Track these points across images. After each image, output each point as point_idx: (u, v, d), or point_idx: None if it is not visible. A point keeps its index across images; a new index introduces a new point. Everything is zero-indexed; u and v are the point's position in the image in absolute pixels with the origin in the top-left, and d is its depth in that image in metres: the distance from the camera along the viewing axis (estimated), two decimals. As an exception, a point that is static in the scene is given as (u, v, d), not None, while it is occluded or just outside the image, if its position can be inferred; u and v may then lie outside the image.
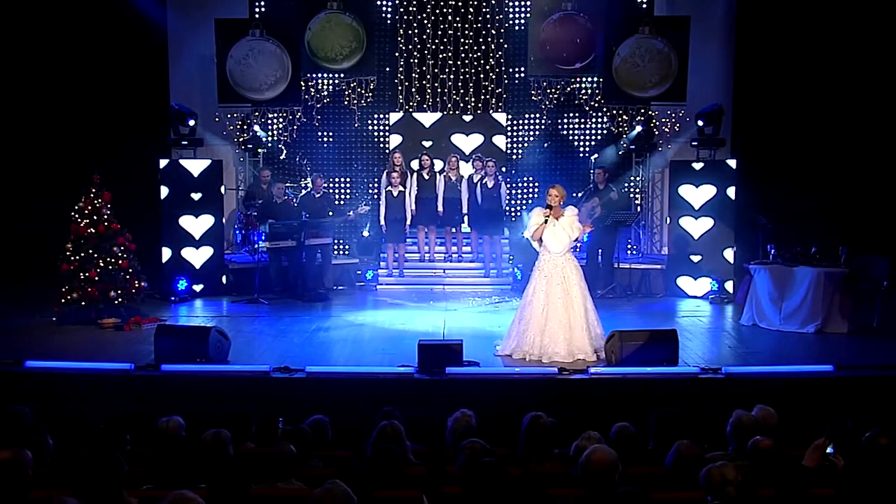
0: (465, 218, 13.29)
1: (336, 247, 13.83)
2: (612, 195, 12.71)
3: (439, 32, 14.16)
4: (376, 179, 14.11)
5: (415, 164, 13.39)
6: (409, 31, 14.13)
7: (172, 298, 12.24)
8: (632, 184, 14.16)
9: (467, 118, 14.25)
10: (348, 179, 14.29)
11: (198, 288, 12.65)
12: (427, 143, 14.09)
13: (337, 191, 14.22)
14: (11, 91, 13.01)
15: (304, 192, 13.18)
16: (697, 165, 12.73)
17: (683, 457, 4.86)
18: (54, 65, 13.01)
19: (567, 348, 8.71)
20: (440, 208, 13.16)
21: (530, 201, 14.05)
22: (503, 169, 13.80)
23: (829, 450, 4.56)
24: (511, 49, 14.18)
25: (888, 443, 5.05)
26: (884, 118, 12.96)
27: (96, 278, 10.50)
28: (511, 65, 14.24)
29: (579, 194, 12.75)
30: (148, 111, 13.21)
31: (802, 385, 8.09)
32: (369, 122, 14.32)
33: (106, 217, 10.69)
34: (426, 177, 13.18)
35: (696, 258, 12.65)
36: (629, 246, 14.13)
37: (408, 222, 13.15)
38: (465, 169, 13.46)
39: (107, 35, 12.94)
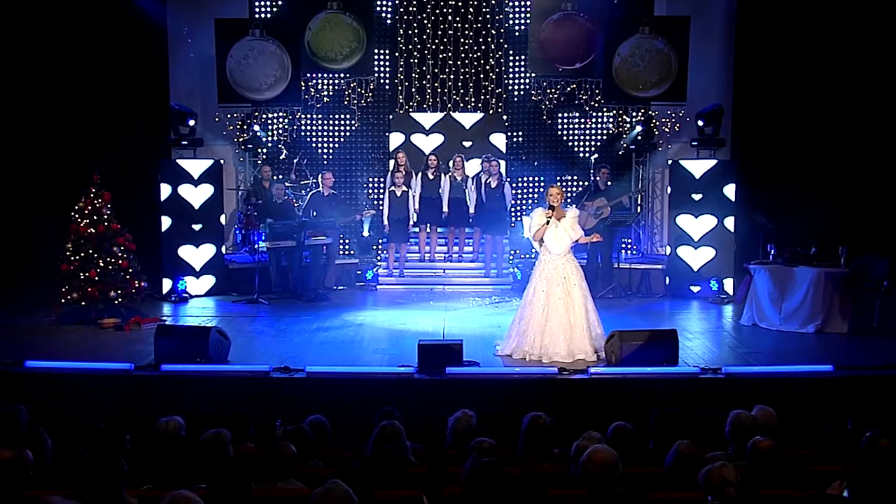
0: (471, 218, 13.27)
1: (339, 247, 13.81)
2: (624, 201, 12.75)
3: (439, 32, 14.15)
4: (375, 179, 14.12)
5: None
6: (409, 31, 14.12)
7: (172, 298, 12.26)
8: (632, 184, 14.15)
9: (466, 119, 14.23)
10: (348, 180, 14.27)
11: (198, 288, 12.66)
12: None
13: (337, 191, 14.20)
14: (11, 91, 12.99)
15: (313, 191, 13.13)
16: (697, 172, 12.70)
17: (683, 457, 4.86)
18: (54, 65, 12.99)
19: (567, 348, 8.70)
20: (446, 208, 13.17)
21: (529, 201, 14.05)
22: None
23: (844, 493, 4.54)
24: (511, 49, 14.18)
25: (888, 443, 5.05)
26: (884, 118, 12.94)
27: (96, 278, 10.50)
28: (511, 65, 14.23)
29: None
30: (148, 111, 13.19)
31: (802, 385, 8.09)
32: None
33: (106, 217, 10.68)
34: (431, 177, 13.18)
35: (698, 260, 12.66)
36: (627, 245, 14.10)
37: (411, 222, 13.15)
38: (471, 168, 13.46)
39: (107, 35, 12.91)
